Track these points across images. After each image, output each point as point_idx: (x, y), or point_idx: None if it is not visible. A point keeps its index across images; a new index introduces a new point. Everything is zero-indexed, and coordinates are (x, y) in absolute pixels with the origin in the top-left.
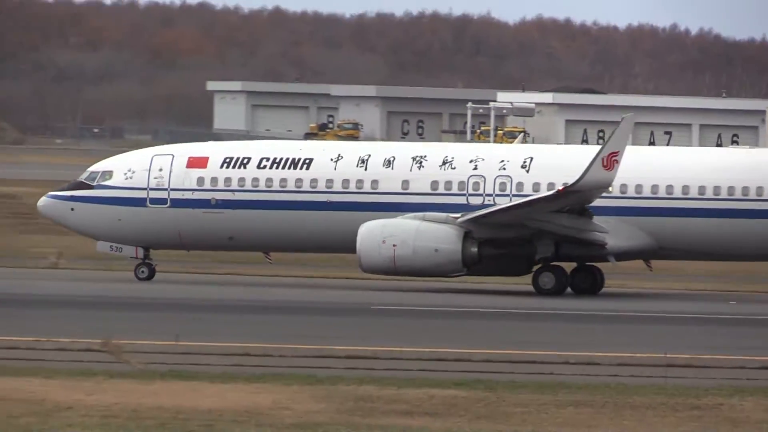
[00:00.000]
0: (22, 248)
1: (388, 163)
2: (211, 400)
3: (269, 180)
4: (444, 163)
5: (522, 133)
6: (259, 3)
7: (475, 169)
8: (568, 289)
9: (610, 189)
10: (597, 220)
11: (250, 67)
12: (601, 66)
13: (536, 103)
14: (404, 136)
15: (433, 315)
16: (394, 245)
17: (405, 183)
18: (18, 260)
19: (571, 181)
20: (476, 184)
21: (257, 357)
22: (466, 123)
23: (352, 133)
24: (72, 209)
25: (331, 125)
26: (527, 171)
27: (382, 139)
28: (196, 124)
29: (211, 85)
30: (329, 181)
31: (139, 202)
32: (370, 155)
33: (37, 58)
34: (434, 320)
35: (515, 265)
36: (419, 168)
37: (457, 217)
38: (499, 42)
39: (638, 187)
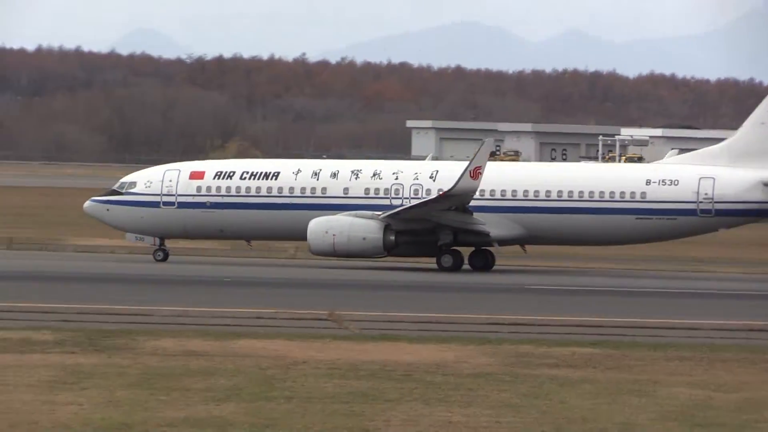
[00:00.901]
0: (270, 244)
1: (334, 175)
2: (410, 356)
3: (248, 188)
4: (374, 174)
5: (639, 158)
6: (445, 62)
7: (396, 179)
8: (467, 266)
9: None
10: (485, 216)
11: (439, 110)
12: (697, 108)
13: (649, 136)
14: (552, 160)
15: (572, 293)
16: (333, 235)
17: (346, 190)
18: (267, 252)
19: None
20: (397, 190)
21: (443, 324)
22: (598, 151)
23: (514, 158)
24: (107, 210)
25: (497, 153)
26: (434, 180)
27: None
28: (397, 152)
29: (410, 123)
30: (291, 189)
31: (155, 205)
32: (321, 169)
33: (280, 104)
34: (574, 297)
35: (424, 249)
36: (356, 178)
37: (380, 214)
38: (621, 91)
39: (514, 192)
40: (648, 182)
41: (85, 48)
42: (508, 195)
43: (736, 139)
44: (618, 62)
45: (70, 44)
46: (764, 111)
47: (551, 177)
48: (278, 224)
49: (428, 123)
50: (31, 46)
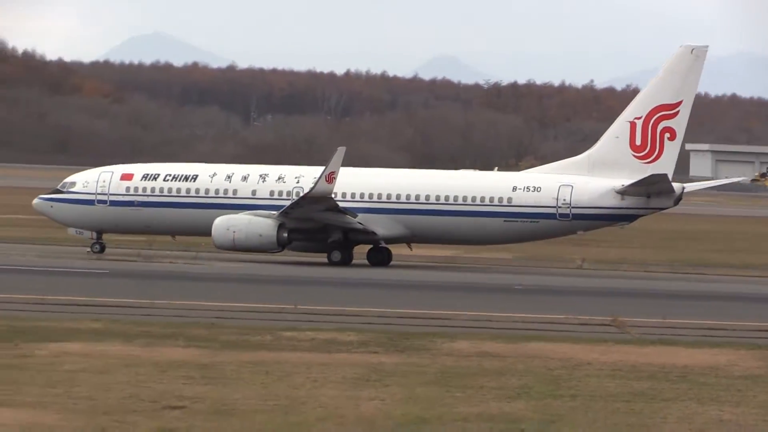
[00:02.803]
0: (556, 255)
1: (244, 178)
2: (685, 359)
3: (170, 189)
4: (279, 178)
5: None
6: (721, 91)
7: (298, 183)
8: (366, 262)
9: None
10: (373, 217)
11: (715, 134)
12: None
13: None
14: None
15: None
16: (234, 232)
17: (254, 191)
18: (550, 263)
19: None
20: (298, 192)
21: (717, 330)
22: None
23: None
24: (51, 206)
25: (767, 175)
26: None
27: None
28: (677, 173)
29: (688, 146)
30: (206, 190)
31: (90, 203)
32: (233, 173)
33: (570, 126)
34: None
35: (316, 246)
36: (263, 182)
37: (275, 214)
38: None
39: (398, 196)
40: (514, 189)
41: (390, 73)
42: (393, 198)
43: (594, 150)
44: None
45: (376, 69)
46: (618, 126)
47: (431, 183)
48: (196, 221)
49: (705, 146)
50: (340, 71)
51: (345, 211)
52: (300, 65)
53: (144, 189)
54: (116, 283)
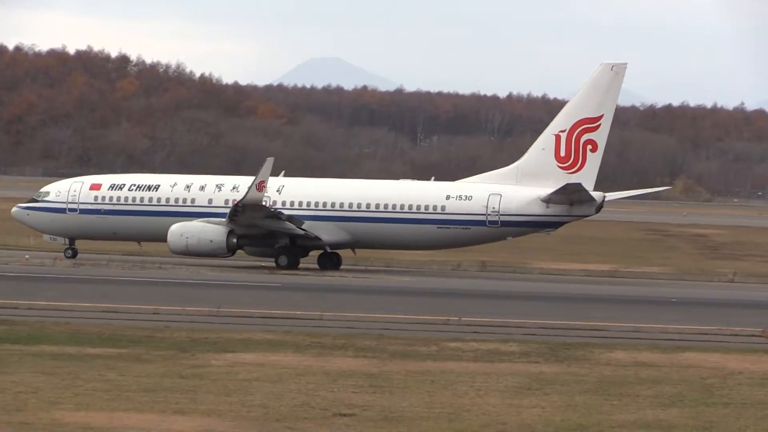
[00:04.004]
0: (707, 269)
1: (201, 188)
2: None
3: (134, 198)
4: (233, 188)
5: None
6: None
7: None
8: (317, 266)
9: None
10: (318, 224)
11: None
12: None
13: None
14: None
15: None
16: (187, 238)
17: (210, 200)
18: (704, 276)
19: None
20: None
21: None
22: None
23: None
24: (28, 214)
25: None
26: (279, 193)
27: None
28: None
29: None
30: (167, 199)
31: (62, 211)
32: (192, 183)
33: (722, 146)
34: None
35: (264, 251)
36: (219, 191)
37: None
38: None
39: (341, 204)
40: (447, 197)
41: (550, 95)
42: (337, 207)
43: (523, 161)
44: None
45: (537, 92)
46: (545, 139)
47: (372, 192)
48: (158, 228)
49: None
50: (503, 93)
51: (280, 216)
52: (464, 88)
53: (110, 198)
54: (289, 296)
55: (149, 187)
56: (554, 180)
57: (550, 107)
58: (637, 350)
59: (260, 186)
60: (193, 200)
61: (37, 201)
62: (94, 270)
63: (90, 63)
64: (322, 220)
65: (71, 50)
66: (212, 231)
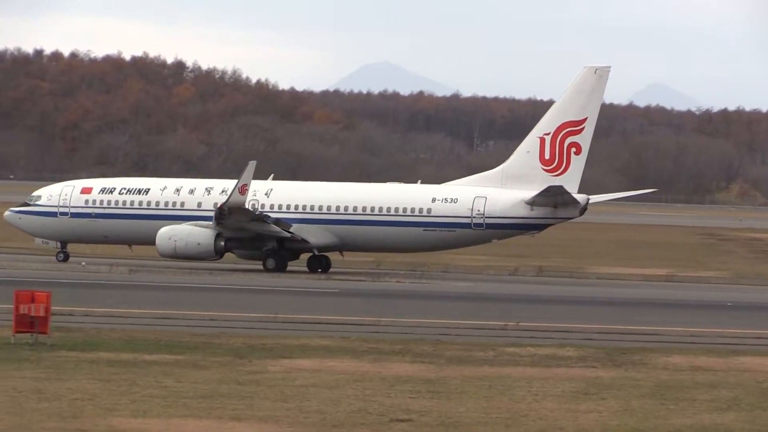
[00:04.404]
0: (763, 272)
1: (191, 191)
2: None
3: (124, 201)
4: (222, 191)
5: None
6: None
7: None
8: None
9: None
10: (306, 227)
11: None
12: None
13: None
14: None
15: None
16: (175, 241)
17: (199, 204)
18: (758, 280)
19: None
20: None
21: None
22: None
23: None
24: (20, 218)
25: None
26: (268, 196)
27: None
28: None
29: None
30: (157, 203)
31: (53, 215)
32: (182, 186)
33: None
34: None
35: (253, 254)
36: (208, 195)
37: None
38: None
39: (329, 207)
40: (433, 200)
41: (607, 100)
42: (324, 210)
43: (507, 164)
44: None
45: None
46: (529, 142)
47: (358, 195)
48: (148, 232)
49: None
50: (558, 98)
51: (266, 219)
52: (520, 93)
53: (101, 202)
54: (345, 302)
55: (139, 191)
56: (539, 183)
57: (606, 112)
58: (693, 354)
59: (243, 189)
60: (182, 204)
61: (29, 205)
62: (150, 276)
63: (146, 69)
64: (309, 223)
65: (127, 56)
66: (200, 234)
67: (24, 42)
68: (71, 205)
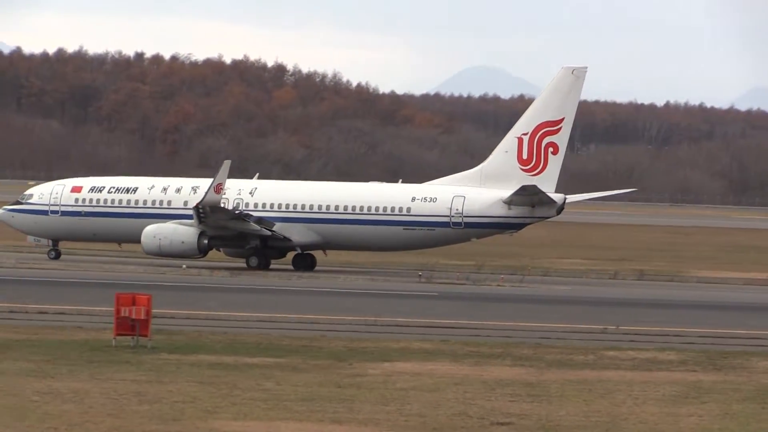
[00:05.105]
0: None
1: (178, 190)
2: None
3: (113, 200)
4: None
5: None
6: None
7: (224, 195)
8: (291, 267)
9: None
10: (290, 226)
11: None
12: None
13: None
14: None
15: None
16: (160, 239)
17: (185, 202)
18: None
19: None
20: (223, 203)
21: None
22: None
23: None
24: (13, 216)
25: None
26: (252, 195)
27: None
28: None
29: None
30: (144, 201)
31: (44, 213)
32: (169, 186)
33: None
34: None
35: (236, 252)
36: (194, 193)
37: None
38: None
39: (311, 206)
40: (413, 199)
41: (708, 104)
42: (307, 209)
43: (486, 164)
44: None
45: (694, 100)
46: (508, 141)
47: (340, 194)
48: (135, 230)
49: None
50: (660, 102)
51: (246, 218)
52: (621, 97)
53: (90, 200)
54: (445, 305)
55: (127, 190)
56: (517, 182)
57: (707, 115)
58: None
59: (218, 188)
60: (169, 202)
61: (21, 203)
62: (251, 279)
63: (246, 72)
64: (292, 221)
65: (227, 59)
66: (184, 232)
67: (125, 45)
68: (62, 203)
